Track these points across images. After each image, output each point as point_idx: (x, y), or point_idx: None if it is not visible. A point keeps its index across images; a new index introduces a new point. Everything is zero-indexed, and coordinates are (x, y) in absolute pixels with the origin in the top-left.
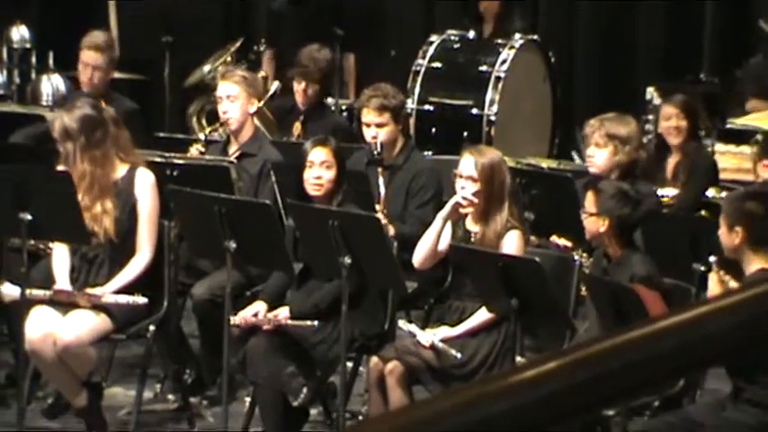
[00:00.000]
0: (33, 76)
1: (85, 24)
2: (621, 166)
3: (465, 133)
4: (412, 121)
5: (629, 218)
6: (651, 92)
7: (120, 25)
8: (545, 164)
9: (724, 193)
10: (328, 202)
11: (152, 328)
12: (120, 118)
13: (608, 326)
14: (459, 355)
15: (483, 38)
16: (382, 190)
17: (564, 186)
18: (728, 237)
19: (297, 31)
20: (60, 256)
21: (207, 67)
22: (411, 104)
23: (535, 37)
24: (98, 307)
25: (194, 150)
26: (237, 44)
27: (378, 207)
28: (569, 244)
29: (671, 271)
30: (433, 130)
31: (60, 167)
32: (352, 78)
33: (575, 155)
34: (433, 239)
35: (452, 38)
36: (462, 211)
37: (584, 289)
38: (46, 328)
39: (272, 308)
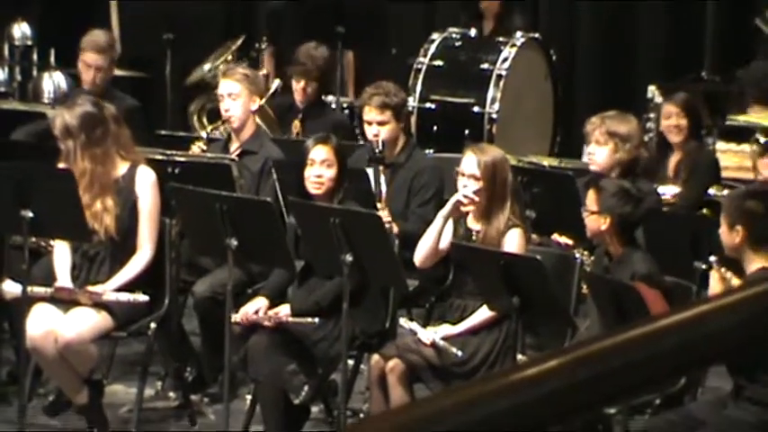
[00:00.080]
0: (35, 73)
1: (87, 21)
2: (622, 164)
3: (466, 131)
4: (413, 119)
5: (631, 216)
6: (652, 90)
7: (121, 23)
8: (546, 162)
9: (725, 192)
10: (329, 200)
11: (153, 325)
12: (121, 115)
13: (609, 324)
14: (460, 353)
15: (484, 36)
16: (384, 188)
17: (565, 184)
18: (729, 235)
19: (297, 28)
20: (61, 254)
21: (207, 66)
22: (412, 102)
23: (536, 35)
24: (99, 304)
25: (196, 148)
26: (238, 42)
27: (379, 205)
28: (570, 242)
29: (672, 269)
30: (435, 128)
31: (61, 165)
32: (352, 76)
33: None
34: (435, 238)
35: (454, 36)
36: (463, 209)
37: (585, 287)
38: (47, 326)
39: (273, 305)
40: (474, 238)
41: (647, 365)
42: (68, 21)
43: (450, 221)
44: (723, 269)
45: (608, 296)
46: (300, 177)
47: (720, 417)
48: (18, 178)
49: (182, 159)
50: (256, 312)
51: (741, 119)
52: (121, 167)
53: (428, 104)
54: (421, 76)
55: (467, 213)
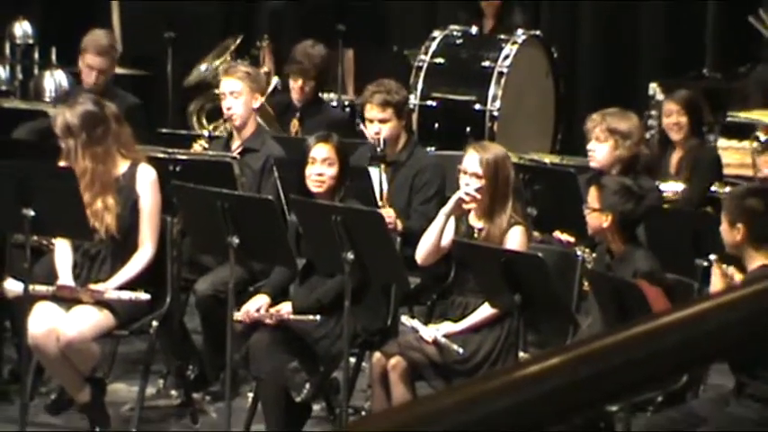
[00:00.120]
0: (36, 71)
1: (88, 20)
2: (622, 161)
3: (468, 129)
4: (415, 116)
5: (632, 213)
6: (654, 87)
7: (122, 21)
8: (548, 159)
9: (728, 189)
10: (330, 198)
11: (155, 323)
12: (122, 114)
13: (611, 321)
14: (461, 351)
15: (485, 33)
16: (385, 186)
17: (567, 182)
18: (730, 233)
19: (298, 26)
20: (62, 252)
21: (203, 66)
22: (414, 100)
23: (537, 32)
24: (101, 303)
25: (197, 146)
26: (237, 42)
27: (380, 203)
28: (572, 239)
29: (674, 266)
30: (436, 125)
31: (62, 163)
32: (352, 74)
33: None
34: (436, 235)
35: (455, 33)
36: (465, 206)
37: (586, 284)
38: (49, 324)
39: (274, 303)
40: (476, 235)
41: (648, 363)
42: (70, 19)
43: (452, 219)
44: (724, 265)
45: (609, 293)
46: (302, 175)
47: (722, 414)
48: (19, 177)
49: (183, 157)
50: (258, 310)
51: (742, 116)
52: (122, 166)
53: (429, 102)
54: (422, 74)
55: (469, 211)
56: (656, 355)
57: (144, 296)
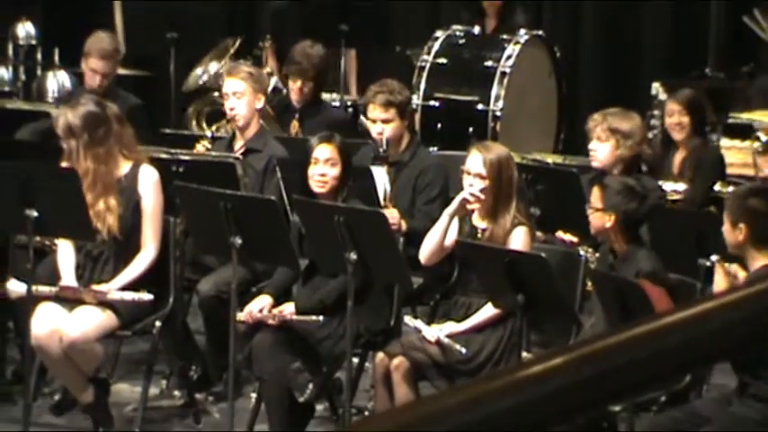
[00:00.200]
0: (39, 72)
1: (91, 21)
2: (624, 161)
3: (470, 129)
4: (417, 116)
5: (636, 213)
6: (657, 87)
7: (125, 21)
8: (550, 159)
9: (731, 188)
10: (333, 198)
11: (158, 324)
12: (124, 114)
13: (614, 321)
14: (464, 351)
15: (488, 33)
16: (388, 186)
17: (570, 182)
18: (732, 233)
19: (300, 26)
20: (65, 253)
21: (199, 70)
22: (416, 100)
23: (540, 32)
24: (104, 303)
25: (200, 147)
26: (236, 43)
27: (383, 203)
28: (575, 239)
29: (677, 266)
30: (439, 125)
31: (64, 164)
32: (354, 74)
33: None
34: (440, 235)
35: (457, 33)
36: (469, 207)
37: (589, 284)
38: (52, 325)
39: (277, 303)
40: (479, 236)
41: (651, 363)
42: (72, 20)
43: (456, 219)
44: (727, 264)
45: (613, 293)
46: (304, 176)
47: (725, 414)
48: (22, 178)
49: (186, 158)
50: (261, 311)
51: (744, 116)
52: (124, 167)
53: (432, 102)
54: (425, 74)
55: (472, 211)
56: (658, 355)
57: (147, 297)
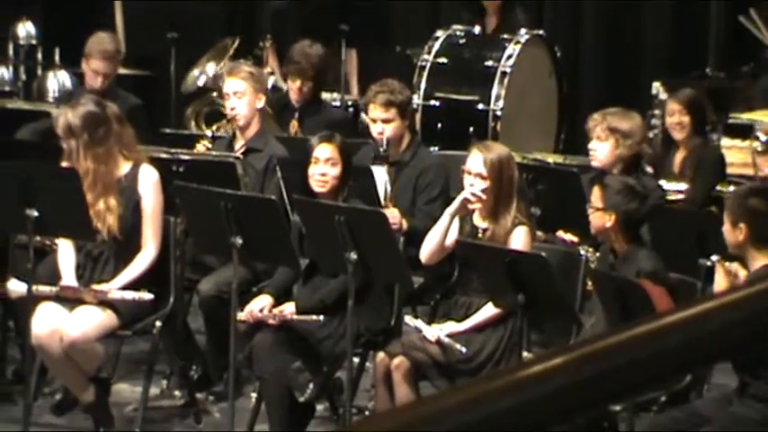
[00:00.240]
0: (39, 72)
1: (91, 20)
2: (624, 160)
3: (471, 129)
4: (418, 116)
5: (636, 213)
6: (657, 87)
7: (125, 21)
8: (551, 159)
9: (731, 188)
10: (334, 198)
11: (158, 324)
12: (124, 114)
13: (614, 321)
14: (464, 350)
15: (488, 33)
16: (388, 186)
17: (570, 181)
18: (732, 233)
19: (301, 26)
20: (65, 252)
21: (196, 71)
22: (417, 100)
23: (541, 32)
24: (104, 303)
25: (201, 146)
26: (235, 44)
27: (384, 203)
28: (575, 239)
29: (677, 266)
30: (439, 125)
31: (64, 164)
32: (355, 74)
33: None
34: (441, 234)
35: (458, 33)
36: (470, 207)
37: (590, 284)
38: (52, 324)
39: (277, 303)
40: (480, 236)
41: (652, 362)
42: (72, 19)
43: (456, 219)
44: (728, 263)
45: (613, 293)
46: (305, 175)
47: (726, 414)
48: (23, 177)
49: (186, 157)
50: (261, 310)
51: (744, 116)
52: (124, 167)
53: (432, 102)
54: (425, 74)
55: (473, 211)
56: (659, 355)
57: (147, 296)
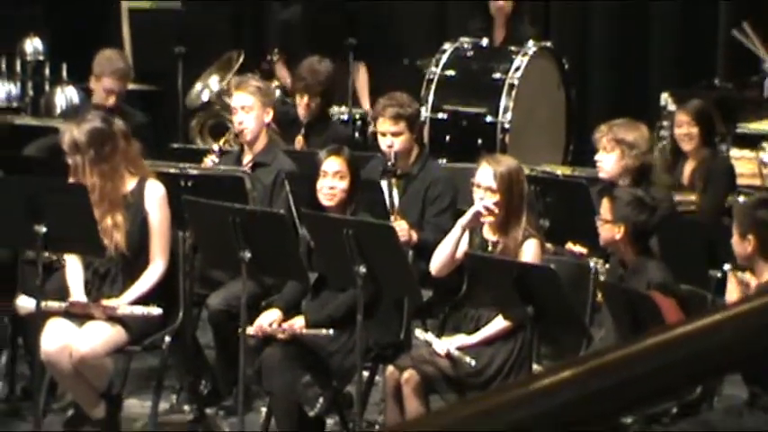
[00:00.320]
0: (47, 88)
1: (98, 36)
2: (630, 171)
3: (479, 141)
4: (426, 129)
5: (645, 225)
6: (665, 98)
7: (132, 36)
8: (560, 171)
9: (741, 198)
10: (342, 211)
11: (167, 339)
12: (130, 130)
13: (624, 333)
14: (474, 363)
15: (496, 45)
16: (396, 199)
17: (579, 193)
18: (741, 245)
19: (309, 40)
20: (74, 268)
21: (199, 86)
22: (425, 113)
23: (548, 44)
24: (113, 318)
25: (208, 161)
26: (240, 59)
27: (392, 216)
28: (585, 251)
29: (687, 277)
30: (447, 138)
31: (71, 180)
32: (365, 88)
33: None
34: (452, 247)
35: (465, 45)
36: (482, 219)
37: (600, 296)
38: (62, 340)
39: (286, 317)
40: (490, 248)
41: (662, 374)
42: (80, 35)
43: (467, 231)
44: (740, 273)
45: (623, 305)
46: (313, 189)
47: (736, 425)
48: (31, 193)
49: (194, 172)
50: (270, 325)
51: (752, 126)
52: (130, 183)
53: (440, 114)
54: (433, 87)
55: (483, 224)
56: (669, 367)
57: (156, 311)
